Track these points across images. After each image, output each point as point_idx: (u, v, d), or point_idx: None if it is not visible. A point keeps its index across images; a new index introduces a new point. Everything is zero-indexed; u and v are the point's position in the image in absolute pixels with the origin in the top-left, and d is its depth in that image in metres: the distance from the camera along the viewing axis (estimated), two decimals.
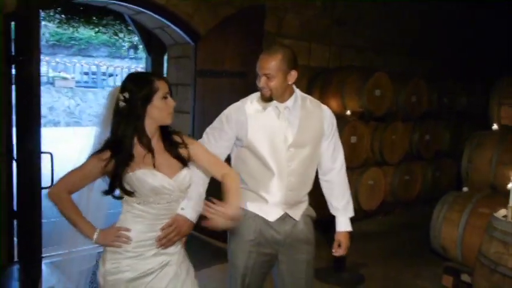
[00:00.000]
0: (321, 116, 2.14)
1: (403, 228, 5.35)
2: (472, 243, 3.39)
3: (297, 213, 2.11)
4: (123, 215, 1.75)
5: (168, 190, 1.72)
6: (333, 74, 5.26)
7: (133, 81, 1.69)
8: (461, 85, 6.46)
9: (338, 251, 2.24)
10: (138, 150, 1.69)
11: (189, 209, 1.86)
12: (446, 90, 6.21)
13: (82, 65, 17.08)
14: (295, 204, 2.11)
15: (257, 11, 4.07)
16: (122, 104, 1.65)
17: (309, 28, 5.29)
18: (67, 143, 6.24)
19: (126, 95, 1.65)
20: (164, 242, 1.76)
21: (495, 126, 4.07)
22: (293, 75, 2.01)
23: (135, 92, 1.65)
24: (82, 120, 15.78)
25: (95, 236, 1.70)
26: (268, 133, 2.02)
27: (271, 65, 1.95)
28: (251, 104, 2.07)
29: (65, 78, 15.40)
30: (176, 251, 1.83)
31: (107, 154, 1.65)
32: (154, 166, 1.69)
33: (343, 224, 2.24)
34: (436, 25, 6.84)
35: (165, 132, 1.78)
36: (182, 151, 1.79)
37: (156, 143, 1.74)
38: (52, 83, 15.26)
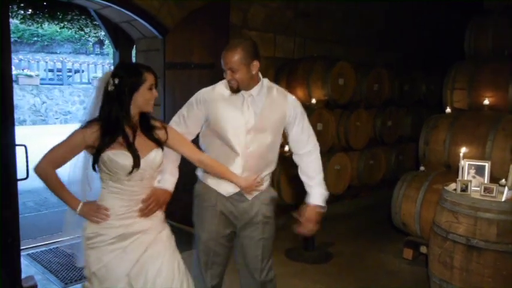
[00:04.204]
0: (285, 105, 2.28)
1: (369, 210, 5.63)
2: (428, 217, 3.62)
3: (251, 194, 2.23)
4: (101, 191, 1.92)
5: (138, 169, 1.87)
6: (298, 65, 5.42)
7: (124, 69, 1.88)
8: (420, 74, 6.76)
9: (305, 225, 2.25)
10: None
11: (165, 180, 2.08)
12: (406, 78, 6.50)
13: (46, 62, 16.67)
14: None
15: (222, 4, 4.18)
16: (111, 87, 1.82)
17: (274, 20, 5.43)
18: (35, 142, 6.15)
19: (116, 80, 1.82)
20: (146, 212, 1.94)
21: (448, 110, 4.34)
22: (255, 65, 2.17)
23: (124, 79, 1.83)
24: (49, 118, 15.47)
25: (78, 208, 1.85)
26: (231, 117, 2.19)
27: (233, 59, 2.11)
28: (219, 89, 2.25)
29: (29, 76, 14.97)
30: (153, 220, 1.99)
31: (95, 129, 1.81)
32: (129, 147, 1.85)
33: (315, 197, 2.28)
34: (397, 21, 7.09)
35: (143, 117, 1.95)
36: (160, 134, 1.98)
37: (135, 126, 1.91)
38: (15, 81, 14.85)
